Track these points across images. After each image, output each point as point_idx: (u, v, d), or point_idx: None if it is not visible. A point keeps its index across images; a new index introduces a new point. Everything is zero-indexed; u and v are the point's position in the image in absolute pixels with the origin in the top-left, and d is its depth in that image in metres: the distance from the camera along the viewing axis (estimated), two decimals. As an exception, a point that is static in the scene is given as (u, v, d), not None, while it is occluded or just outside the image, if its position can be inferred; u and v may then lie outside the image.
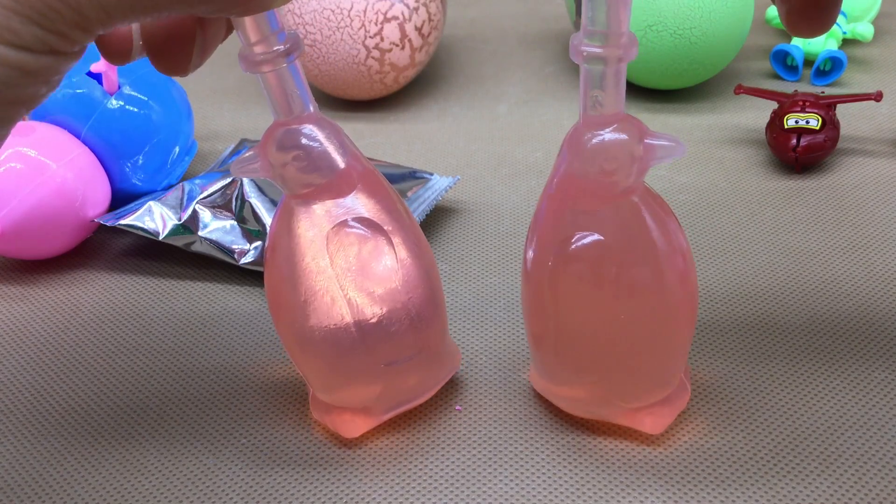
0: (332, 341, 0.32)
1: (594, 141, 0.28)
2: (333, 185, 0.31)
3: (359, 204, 0.31)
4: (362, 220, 0.31)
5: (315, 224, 0.31)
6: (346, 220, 0.31)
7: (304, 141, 0.30)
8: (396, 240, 0.32)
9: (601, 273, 0.30)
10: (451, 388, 0.36)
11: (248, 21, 0.28)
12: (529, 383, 0.36)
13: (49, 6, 0.21)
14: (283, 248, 0.31)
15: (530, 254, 0.31)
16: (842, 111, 0.53)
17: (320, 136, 0.30)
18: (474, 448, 0.34)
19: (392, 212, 0.32)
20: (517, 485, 0.32)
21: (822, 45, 0.59)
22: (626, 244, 0.30)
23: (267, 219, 0.43)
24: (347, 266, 0.31)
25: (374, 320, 0.31)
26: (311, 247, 0.31)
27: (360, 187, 0.31)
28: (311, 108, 0.30)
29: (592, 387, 0.32)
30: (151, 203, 0.44)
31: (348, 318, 0.31)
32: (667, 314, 0.31)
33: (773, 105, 0.53)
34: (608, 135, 0.28)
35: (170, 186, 0.48)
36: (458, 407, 0.35)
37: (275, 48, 0.28)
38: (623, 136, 0.28)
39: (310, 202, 0.31)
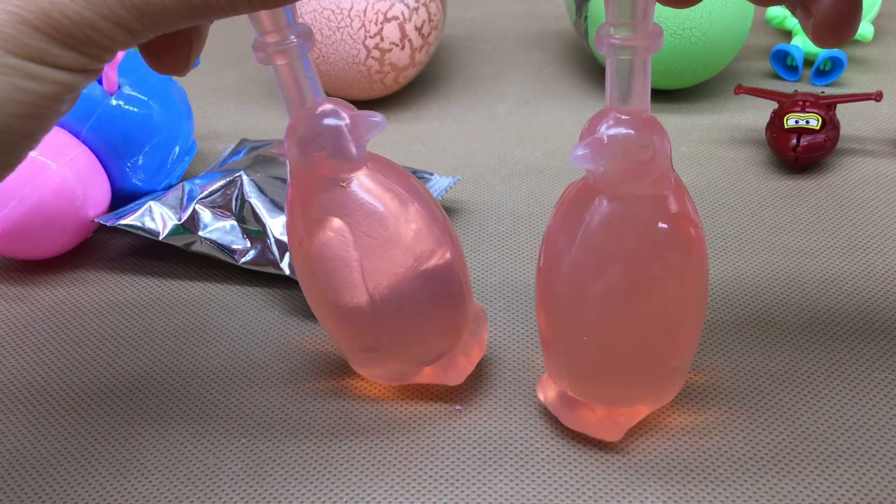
0: (349, 316, 0.33)
1: (610, 133, 0.28)
2: (352, 164, 0.32)
3: (377, 180, 0.32)
4: (382, 195, 0.32)
5: (336, 203, 0.32)
6: (364, 198, 0.32)
7: (326, 124, 0.31)
8: (414, 209, 0.32)
9: (619, 263, 0.30)
10: (452, 388, 0.36)
11: (264, 13, 0.29)
12: (531, 383, 0.36)
13: (84, 34, 0.24)
14: (307, 228, 0.32)
15: (548, 245, 0.31)
16: (842, 111, 0.53)
17: (340, 119, 0.31)
18: (474, 448, 0.34)
19: (408, 187, 0.33)
20: (517, 485, 0.32)
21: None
22: (644, 236, 0.29)
23: (267, 219, 0.43)
24: (368, 240, 0.32)
25: (389, 294, 0.32)
26: (334, 227, 0.32)
27: (376, 165, 0.32)
28: (322, 97, 0.31)
29: (600, 384, 0.32)
30: (151, 203, 0.44)
31: (363, 295, 0.32)
32: (682, 307, 0.31)
33: (773, 105, 0.53)
34: (624, 129, 0.28)
35: (170, 186, 0.48)
36: (458, 407, 0.35)
37: (289, 40, 0.29)
38: (637, 132, 0.28)
39: (331, 181, 0.32)
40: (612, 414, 0.33)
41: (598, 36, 0.28)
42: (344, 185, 0.31)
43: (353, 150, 0.31)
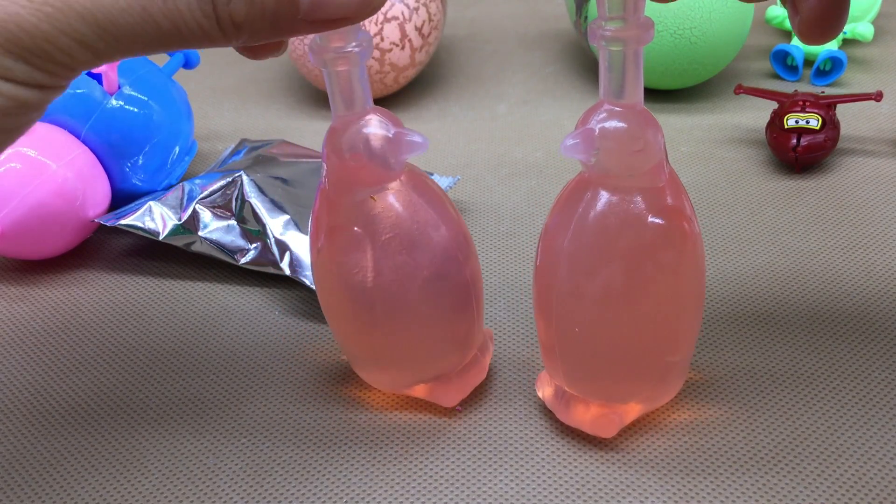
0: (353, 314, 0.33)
1: (601, 125, 0.28)
2: (388, 176, 0.31)
3: (408, 197, 0.32)
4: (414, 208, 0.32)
5: (363, 213, 0.31)
6: (399, 211, 0.31)
7: (369, 132, 0.30)
8: (438, 235, 0.32)
9: (612, 255, 0.30)
10: (451, 388, 0.36)
11: None
12: (530, 383, 0.36)
13: (40, 48, 0.23)
14: (344, 233, 0.32)
15: (544, 242, 0.31)
16: (842, 111, 0.53)
17: (383, 130, 0.31)
18: (474, 448, 0.34)
19: (440, 210, 0.33)
20: (517, 485, 0.32)
21: (822, 45, 0.59)
22: (637, 228, 0.29)
23: (267, 219, 0.43)
24: (384, 255, 0.32)
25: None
26: (354, 236, 0.32)
27: (411, 181, 0.32)
28: (371, 104, 0.31)
29: (600, 381, 0.32)
30: (151, 203, 0.44)
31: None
32: (677, 300, 0.31)
33: (773, 105, 0.53)
34: (616, 120, 0.28)
35: (170, 186, 0.48)
36: (458, 407, 0.35)
37: (351, 47, 0.29)
38: (628, 124, 0.28)
39: (362, 191, 0.31)
40: (607, 411, 0.33)
41: (591, 29, 0.28)
42: (374, 197, 0.31)
43: (391, 163, 0.31)
